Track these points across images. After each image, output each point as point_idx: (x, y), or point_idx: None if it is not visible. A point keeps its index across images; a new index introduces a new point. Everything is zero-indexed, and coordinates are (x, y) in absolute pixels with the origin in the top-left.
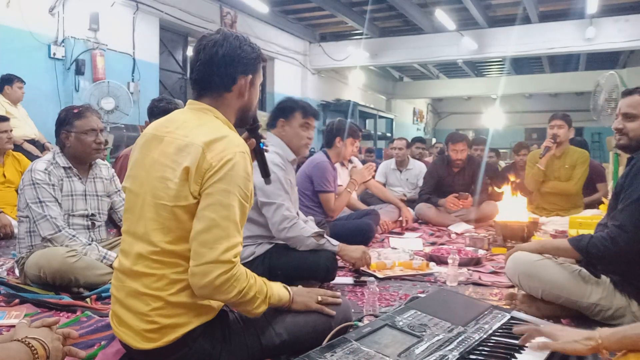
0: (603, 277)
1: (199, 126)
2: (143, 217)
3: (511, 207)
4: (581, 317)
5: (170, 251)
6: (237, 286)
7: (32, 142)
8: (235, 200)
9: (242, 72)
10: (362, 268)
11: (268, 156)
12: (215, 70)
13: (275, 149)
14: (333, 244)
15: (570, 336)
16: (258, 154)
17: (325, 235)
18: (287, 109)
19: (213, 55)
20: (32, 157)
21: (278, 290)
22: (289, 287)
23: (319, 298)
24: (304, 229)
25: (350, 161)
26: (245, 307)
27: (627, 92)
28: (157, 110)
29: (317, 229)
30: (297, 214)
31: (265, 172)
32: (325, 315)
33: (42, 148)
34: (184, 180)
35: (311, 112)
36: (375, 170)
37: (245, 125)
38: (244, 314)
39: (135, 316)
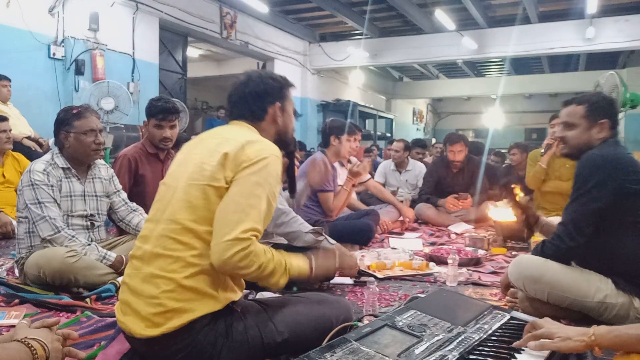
0: (604, 277)
1: (241, 132)
2: (171, 202)
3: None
4: (582, 317)
5: (191, 229)
6: (256, 261)
7: (28, 138)
8: (264, 194)
9: (270, 102)
10: (361, 268)
11: None
12: (248, 105)
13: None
14: (331, 242)
15: (565, 334)
16: (289, 173)
17: (323, 234)
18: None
19: (242, 94)
20: (32, 153)
21: (297, 262)
22: (310, 256)
23: (337, 264)
24: (303, 224)
25: (349, 161)
26: (267, 280)
27: (566, 102)
28: (156, 109)
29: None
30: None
31: (292, 189)
32: (326, 313)
33: (39, 144)
34: (220, 164)
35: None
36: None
37: (287, 149)
38: (267, 286)
39: (144, 300)
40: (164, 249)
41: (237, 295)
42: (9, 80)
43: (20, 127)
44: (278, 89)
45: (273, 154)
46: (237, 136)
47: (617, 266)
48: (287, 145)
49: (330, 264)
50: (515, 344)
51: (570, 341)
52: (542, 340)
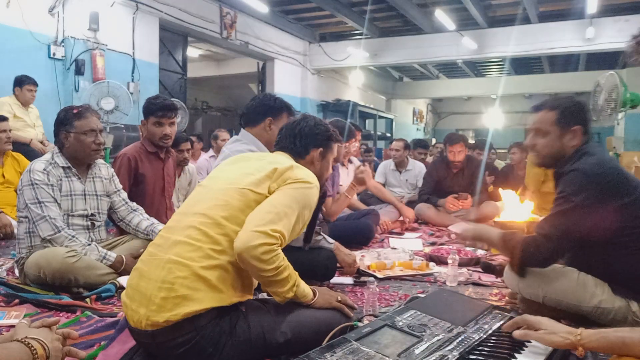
0: (600, 281)
1: (289, 160)
2: (205, 198)
3: (516, 209)
4: (581, 319)
5: (221, 225)
6: (276, 261)
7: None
8: (297, 211)
9: (314, 145)
10: (361, 268)
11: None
12: (295, 141)
13: (248, 146)
14: (329, 241)
15: (552, 328)
16: (312, 219)
17: (321, 233)
18: (277, 108)
19: (294, 130)
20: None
21: (304, 286)
22: (315, 290)
23: (339, 298)
24: None
25: (350, 161)
26: (277, 287)
27: (537, 107)
28: (155, 107)
29: None
30: None
31: (307, 238)
32: (328, 316)
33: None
34: (268, 176)
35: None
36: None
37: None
38: (272, 295)
39: (155, 284)
40: (187, 237)
41: (244, 298)
42: (36, 85)
43: (31, 132)
44: (326, 137)
45: (315, 184)
46: (286, 160)
47: (614, 271)
48: (320, 187)
49: (332, 300)
50: (504, 327)
51: (555, 336)
52: (527, 330)
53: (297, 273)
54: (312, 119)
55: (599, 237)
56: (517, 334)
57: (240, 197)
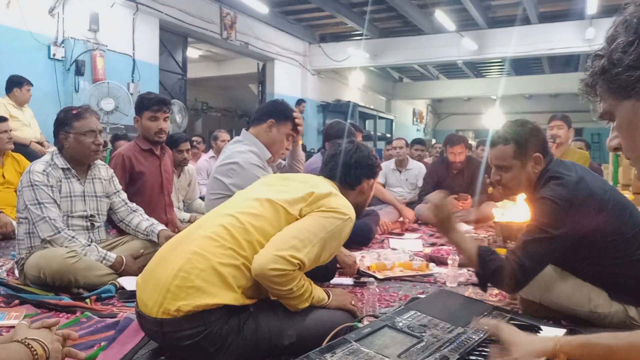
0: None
1: (330, 186)
2: (242, 204)
3: (515, 209)
4: (580, 320)
5: (248, 231)
6: (290, 284)
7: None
8: (323, 240)
9: (367, 176)
10: (361, 269)
11: (243, 156)
12: (349, 171)
13: (249, 147)
14: None
15: (527, 344)
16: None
17: None
18: (282, 113)
19: (348, 159)
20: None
21: (319, 292)
22: (329, 292)
23: (353, 302)
24: None
25: None
26: (292, 302)
27: (491, 144)
28: (149, 101)
29: None
30: None
31: (328, 276)
32: (335, 320)
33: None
34: (303, 198)
35: (297, 129)
36: None
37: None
38: (286, 306)
39: (172, 272)
40: (213, 234)
41: (254, 300)
42: (32, 84)
43: (28, 131)
44: (376, 166)
45: (351, 216)
46: (326, 187)
47: (610, 278)
48: (358, 215)
49: (345, 302)
50: (480, 322)
51: (534, 351)
52: (503, 356)
53: (311, 283)
54: (365, 148)
55: (584, 255)
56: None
57: (273, 209)
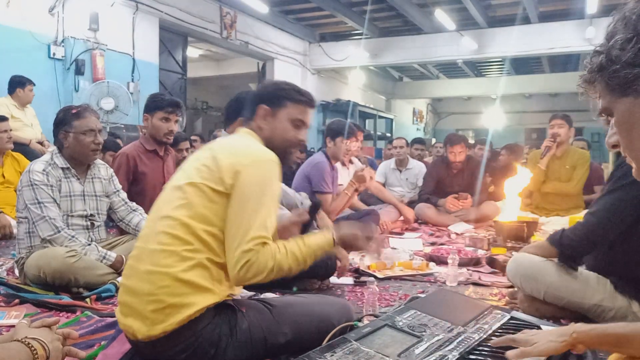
0: (602, 278)
1: (239, 140)
2: (172, 199)
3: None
4: (581, 318)
5: (187, 225)
6: (264, 270)
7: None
8: (265, 197)
9: (263, 102)
10: (361, 268)
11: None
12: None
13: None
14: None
15: (545, 337)
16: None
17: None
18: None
19: (246, 94)
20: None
21: (317, 241)
22: (331, 231)
23: (359, 232)
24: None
25: (351, 161)
26: (287, 275)
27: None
28: (164, 102)
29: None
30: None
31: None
32: (329, 316)
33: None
34: (217, 169)
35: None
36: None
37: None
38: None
39: (142, 299)
40: (158, 244)
41: (235, 290)
42: (34, 84)
43: (29, 132)
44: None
45: (265, 157)
46: (234, 144)
47: (616, 267)
48: (285, 150)
49: (355, 231)
50: (493, 342)
51: (552, 343)
52: (522, 348)
53: (300, 240)
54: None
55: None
56: (511, 354)
57: (200, 193)
